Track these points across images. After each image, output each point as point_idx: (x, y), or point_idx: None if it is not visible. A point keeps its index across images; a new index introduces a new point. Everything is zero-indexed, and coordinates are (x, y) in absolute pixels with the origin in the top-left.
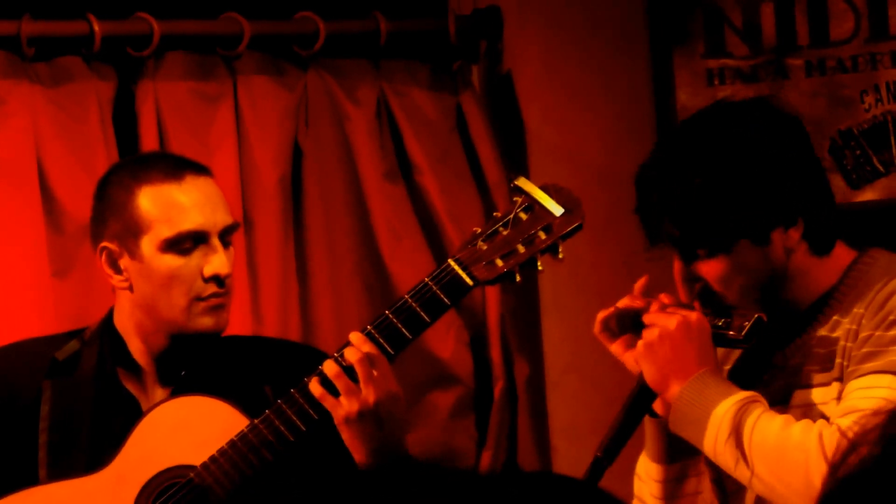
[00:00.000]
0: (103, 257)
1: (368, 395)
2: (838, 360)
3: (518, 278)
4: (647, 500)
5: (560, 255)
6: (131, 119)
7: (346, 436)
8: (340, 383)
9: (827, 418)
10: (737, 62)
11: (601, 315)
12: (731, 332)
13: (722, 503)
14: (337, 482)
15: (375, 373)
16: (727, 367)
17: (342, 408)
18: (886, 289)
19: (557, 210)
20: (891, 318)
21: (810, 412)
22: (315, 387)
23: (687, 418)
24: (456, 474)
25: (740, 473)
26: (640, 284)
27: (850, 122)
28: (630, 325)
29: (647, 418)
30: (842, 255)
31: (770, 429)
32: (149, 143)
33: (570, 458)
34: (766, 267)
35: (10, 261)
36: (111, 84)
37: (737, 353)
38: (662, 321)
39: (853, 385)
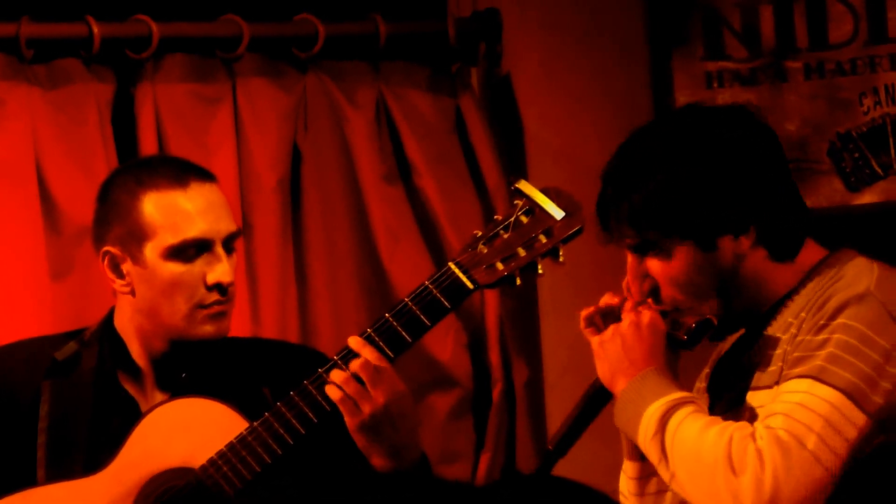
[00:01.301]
0: (106, 261)
1: (378, 397)
2: (780, 364)
3: (518, 282)
4: (623, 499)
5: (561, 259)
6: (130, 121)
7: (361, 442)
8: (350, 388)
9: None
10: (736, 65)
11: (583, 313)
12: (678, 333)
13: None
14: (336, 492)
15: (380, 374)
16: (706, 371)
17: (356, 413)
18: (827, 292)
19: (558, 213)
20: (821, 322)
21: (754, 414)
22: (333, 391)
23: (625, 416)
24: (453, 485)
25: (663, 473)
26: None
27: (848, 124)
28: (613, 321)
29: None
30: (808, 257)
31: (690, 431)
32: (148, 145)
33: (568, 461)
34: (712, 271)
35: (8, 263)
36: (110, 86)
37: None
38: (623, 319)
39: (781, 389)
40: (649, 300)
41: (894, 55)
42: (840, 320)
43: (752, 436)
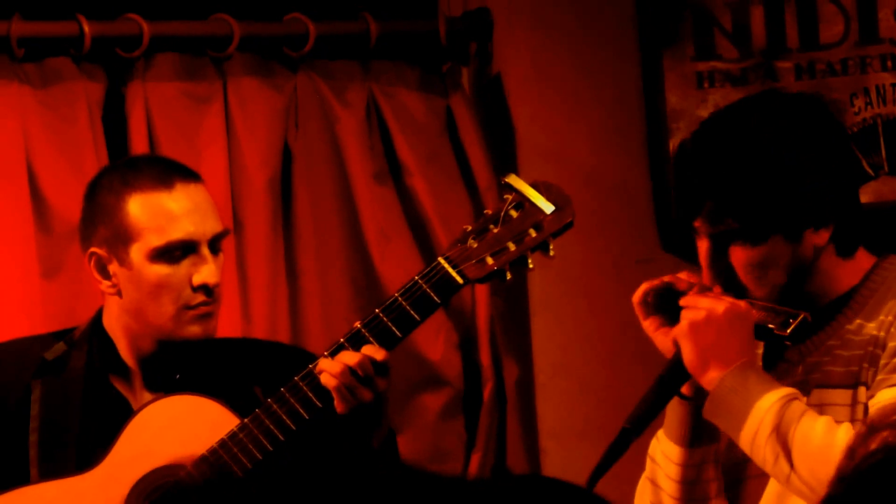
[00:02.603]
0: (92, 262)
1: (380, 385)
2: (865, 365)
3: (509, 276)
4: (662, 482)
5: (551, 253)
6: (121, 120)
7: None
8: (346, 379)
9: (846, 418)
10: (726, 65)
11: (646, 286)
12: (777, 328)
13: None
14: (327, 488)
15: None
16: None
17: (351, 401)
18: None
19: (548, 207)
20: None
21: (828, 411)
22: (328, 379)
23: (726, 407)
24: (445, 480)
25: (778, 470)
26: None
27: None
28: (665, 304)
29: (675, 400)
30: (862, 258)
31: (815, 429)
32: (138, 144)
33: (559, 460)
34: (793, 263)
35: None
36: (101, 85)
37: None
38: (709, 304)
39: (884, 395)
40: (716, 288)
41: (885, 56)
42: None
43: None
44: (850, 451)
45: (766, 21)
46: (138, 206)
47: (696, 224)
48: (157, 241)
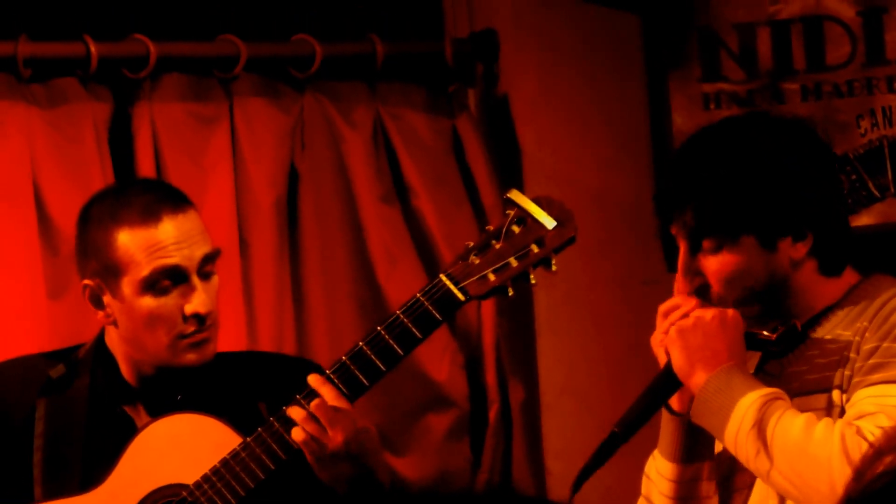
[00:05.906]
0: (87, 294)
1: (336, 435)
2: (841, 370)
3: (511, 292)
4: (657, 498)
5: (553, 268)
6: (127, 141)
7: (322, 475)
8: (310, 427)
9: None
10: (733, 86)
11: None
12: (764, 334)
13: None
14: None
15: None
16: None
17: (316, 450)
18: (891, 303)
19: (550, 223)
20: None
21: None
22: (297, 433)
23: (711, 407)
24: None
25: (759, 464)
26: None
27: (845, 146)
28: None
29: (666, 416)
30: (848, 277)
31: (794, 425)
32: (145, 164)
33: (565, 481)
34: (767, 274)
35: (5, 282)
36: (107, 105)
37: None
38: (699, 311)
39: (862, 393)
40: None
41: (892, 77)
42: None
43: (860, 433)
44: (858, 474)
45: (772, 42)
46: (125, 242)
47: (674, 230)
48: (143, 272)
